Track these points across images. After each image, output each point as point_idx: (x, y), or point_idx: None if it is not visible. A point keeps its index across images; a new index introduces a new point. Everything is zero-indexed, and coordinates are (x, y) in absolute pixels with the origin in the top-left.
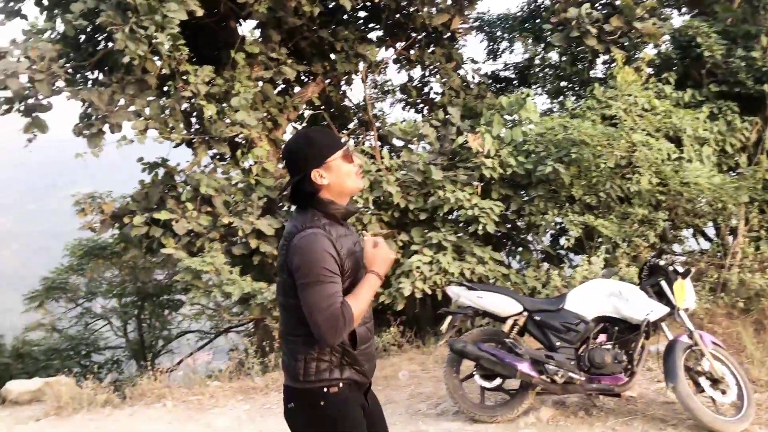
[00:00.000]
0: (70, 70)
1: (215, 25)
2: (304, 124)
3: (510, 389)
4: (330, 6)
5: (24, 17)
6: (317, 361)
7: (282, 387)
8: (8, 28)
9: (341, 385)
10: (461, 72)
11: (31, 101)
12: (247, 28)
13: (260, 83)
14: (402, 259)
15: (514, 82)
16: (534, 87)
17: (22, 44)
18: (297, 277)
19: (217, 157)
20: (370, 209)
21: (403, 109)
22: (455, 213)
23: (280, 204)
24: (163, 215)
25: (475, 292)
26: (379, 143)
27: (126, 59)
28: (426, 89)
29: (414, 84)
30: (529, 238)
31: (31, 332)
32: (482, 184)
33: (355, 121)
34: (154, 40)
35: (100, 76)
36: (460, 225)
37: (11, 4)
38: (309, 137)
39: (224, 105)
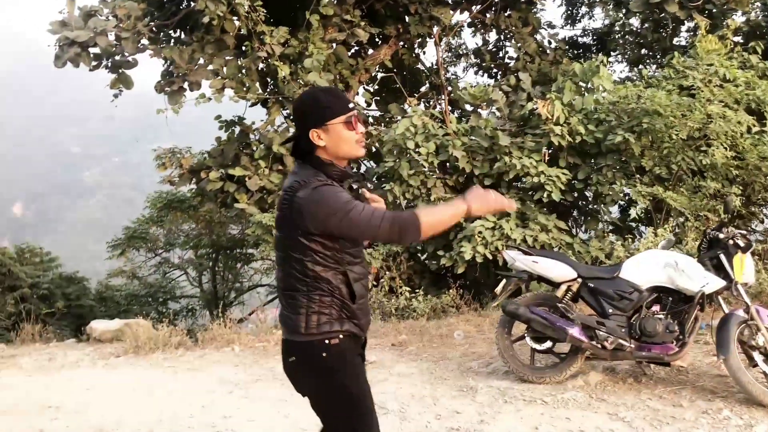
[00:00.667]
0: (154, 29)
1: None
2: (376, 87)
3: (560, 353)
4: None
5: None
6: (318, 314)
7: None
8: None
9: (341, 336)
10: (537, 37)
11: (117, 58)
12: None
13: (333, 45)
14: (465, 223)
15: (592, 49)
16: (613, 54)
17: (111, 3)
18: (326, 223)
19: (290, 117)
20: (436, 173)
21: (476, 73)
22: (521, 180)
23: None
24: (237, 171)
25: (530, 256)
26: (449, 107)
27: (206, 19)
28: (500, 54)
29: (488, 48)
30: (597, 208)
31: (114, 278)
32: (550, 151)
33: (427, 84)
34: (233, 1)
35: (182, 35)
36: (526, 192)
37: None
38: (315, 96)
39: (298, 66)
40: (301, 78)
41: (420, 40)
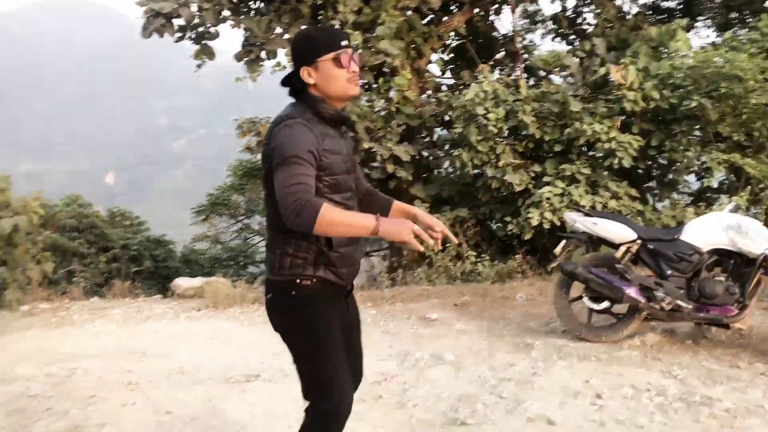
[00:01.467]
0: (233, 1)
1: None
2: (451, 55)
3: (618, 313)
4: None
5: None
6: (292, 257)
7: None
8: None
9: (314, 280)
10: (617, 2)
11: (201, 29)
12: None
13: (407, 13)
14: (533, 189)
15: (677, 14)
16: (700, 19)
17: None
18: (273, 163)
19: (365, 85)
20: (505, 139)
21: (553, 40)
22: (592, 146)
23: (419, 132)
24: None
25: (590, 218)
26: (525, 74)
27: None
28: (579, 20)
29: (566, 15)
30: (672, 176)
31: (198, 242)
32: (623, 117)
33: (503, 51)
34: None
35: (261, 5)
36: (597, 158)
37: None
38: (308, 34)
39: (370, 34)
40: (374, 45)
41: (495, 6)
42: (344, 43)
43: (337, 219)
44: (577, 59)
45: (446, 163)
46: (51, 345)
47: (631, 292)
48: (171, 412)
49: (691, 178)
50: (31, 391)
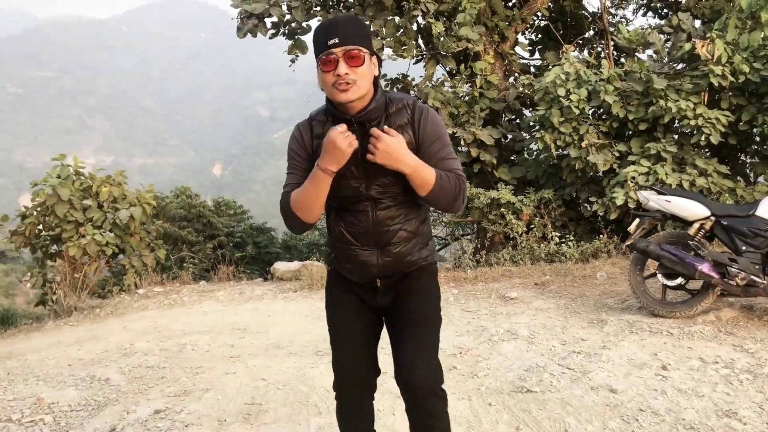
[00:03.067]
0: None
1: None
2: (539, 36)
3: (692, 289)
4: None
5: None
6: (328, 247)
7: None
8: None
9: (330, 268)
10: None
11: (293, 25)
12: None
13: None
14: (618, 169)
15: None
16: None
17: None
18: None
19: (449, 70)
20: (588, 119)
21: (644, 15)
22: (678, 123)
23: (504, 116)
24: None
25: (663, 196)
26: (614, 52)
27: None
28: None
29: None
30: (766, 150)
31: None
32: (710, 92)
33: (593, 30)
34: None
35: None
36: (684, 135)
37: None
38: (315, 31)
39: (452, 21)
40: (455, 33)
41: None
42: (332, 41)
43: (299, 195)
44: (663, 35)
45: (532, 145)
46: (164, 323)
47: (704, 268)
48: (266, 379)
49: None
50: (148, 362)
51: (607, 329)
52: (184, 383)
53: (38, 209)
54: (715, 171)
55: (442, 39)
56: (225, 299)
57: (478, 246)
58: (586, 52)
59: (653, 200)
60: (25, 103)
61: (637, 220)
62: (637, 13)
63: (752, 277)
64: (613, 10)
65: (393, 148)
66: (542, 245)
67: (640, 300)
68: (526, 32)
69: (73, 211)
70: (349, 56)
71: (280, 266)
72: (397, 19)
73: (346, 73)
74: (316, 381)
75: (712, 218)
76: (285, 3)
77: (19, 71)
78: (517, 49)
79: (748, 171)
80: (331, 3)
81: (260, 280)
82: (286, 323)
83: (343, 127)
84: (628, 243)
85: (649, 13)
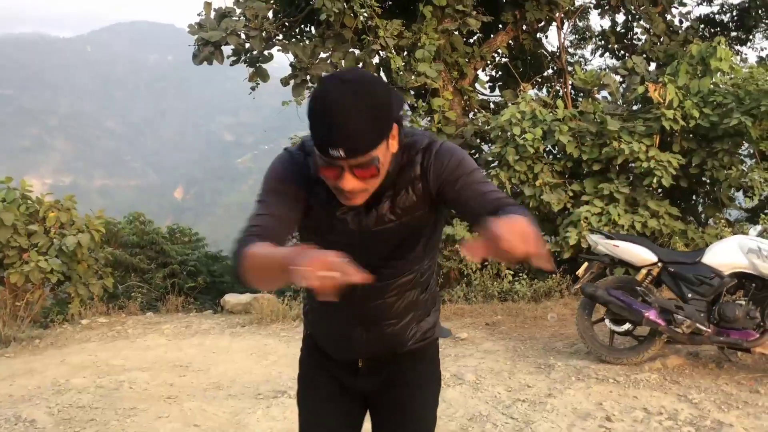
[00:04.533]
0: (284, 25)
1: None
2: (500, 73)
3: (639, 335)
4: None
5: None
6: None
7: None
8: None
9: (307, 331)
10: (668, 16)
11: (255, 53)
12: None
13: (448, 34)
14: (571, 208)
15: (731, 26)
16: (757, 30)
17: (243, 3)
18: None
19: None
20: (543, 159)
21: (601, 56)
22: (631, 164)
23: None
24: None
25: (612, 240)
26: (572, 92)
27: (323, 16)
28: (629, 35)
29: (616, 30)
30: (717, 195)
31: None
32: (662, 135)
33: (552, 68)
34: None
35: (311, 30)
36: (636, 177)
37: None
38: (309, 109)
39: (411, 57)
40: (414, 68)
41: (542, 24)
42: (335, 153)
43: (261, 261)
44: (618, 77)
45: None
46: (105, 358)
47: (651, 314)
48: (198, 425)
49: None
50: (81, 401)
51: (553, 375)
52: (113, 428)
53: None
54: (666, 213)
55: (401, 74)
56: (171, 333)
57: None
58: (545, 91)
59: (602, 244)
60: None
61: (585, 264)
62: (595, 53)
63: (698, 324)
64: (572, 50)
65: (518, 230)
66: (495, 282)
67: (587, 345)
68: (487, 69)
69: (17, 237)
70: (358, 170)
71: (231, 298)
72: (357, 52)
73: (353, 188)
74: (250, 428)
75: (660, 264)
76: (242, 32)
77: None
78: (477, 85)
79: (700, 213)
80: (292, 33)
81: (210, 312)
82: (229, 361)
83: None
84: (576, 287)
85: (607, 54)
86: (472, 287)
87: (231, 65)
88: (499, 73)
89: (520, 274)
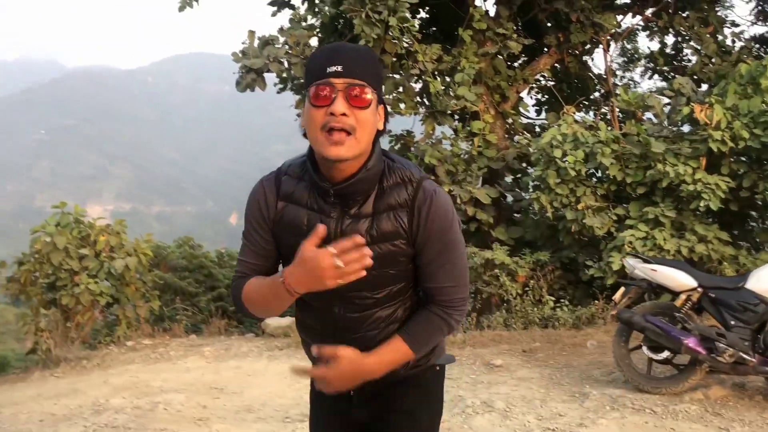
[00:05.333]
0: None
1: (455, 4)
2: (546, 96)
3: (679, 364)
4: None
5: (292, 7)
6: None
7: None
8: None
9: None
10: (720, 37)
11: (302, 80)
12: (488, 5)
13: (490, 57)
14: (616, 233)
15: None
16: None
17: (286, 31)
18: None
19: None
20: (586, 181)
21: (650, 78)
22: (677, 187)
23: (504, 175)
24: None
25: (649, 264)
26: (620, 114)
27: (362, 42)
28: (679, 56)
29: (666, 51)
30: None
31: None
32: (710, 157)
33: (599, 91)
34: (389, 23)
35: None
36: (683, 200)
37: None
38: (310, 57)
39: (451, 80)
40: (453, 92)
41: (589, 46)
42: (333, 68)
43: (256, 294)
44: (663, 99)
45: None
46: (145, 379)
47: (690, 342)
48: None
49: None
50: (116, 422)
51: (587, 404)
52: None
53: (35, 256)
54: (715, 238)
55: (440, 97)
56: (211, 355)
57: (476, 307)
58: (591, 114)
59: (639, 268)
60: (49, 149)
61: (622, 289)
62: (644, 75)
63: (741, 353)
64: (620, 73)
65: (346, 373)
66: (536, 309)
67: (624, 373)
68: (533, 92)
69: (69, 260)
70: (353, 92)
71: (271, 321)
72: (396, 76)
73: (344, 114)
74: None
75: (700, 289)
76: (285, 59)
77: (46, 119)
78: (521, 108)
79: (753, 238)
80: None
81: (252, 335)
82: (263, 384)
83: (339, 247)
84: (612, 313)
85: (656, 76)
86: (512, 314)
87: (278, 93)
88: (546, 96)
89: (562, 301)
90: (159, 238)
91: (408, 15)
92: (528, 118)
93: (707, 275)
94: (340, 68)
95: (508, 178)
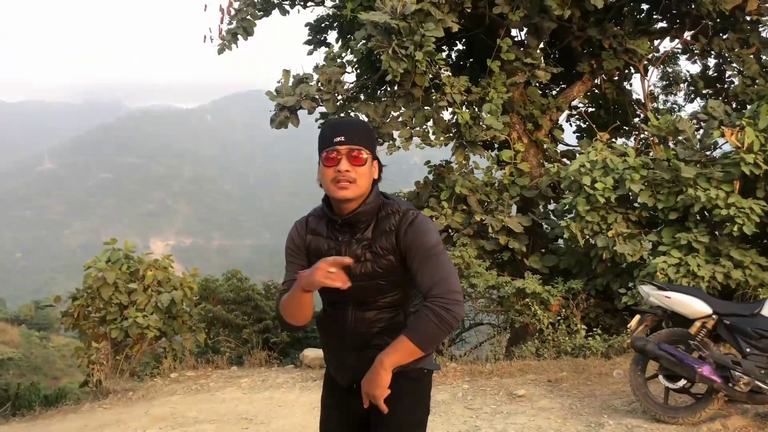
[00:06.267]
0: (364, 86)
1: (485, 35)
2: (585, 123)
3: (697, 393)
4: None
5: (327, 45)
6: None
7: None
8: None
9: (325, 366)
10: (764, 57)
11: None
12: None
13: (522, 86)
14: (648, 259)
15: None
16: None
17: (320, 69)
18: None
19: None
20: (615, 208)
21: (691, 101)
22: (710, 213)
23: (537, 203)
24: (425, 212)
25: (663, 291)
26: (657, 140)
27: (389, 77)
28: (722, 78)
29: (707, 74)
30: None
31: None
32: (745, 181)
33: (638, 116)
34: (415, 58)
35: (380, 92)
36: (717, 225)
37: (318, 35)
38: (323, 129)
39: (479, 111)
40: (482, 122)
41: (626, 72)
42: (338, 139)
43: (286, 300)
44: (693, 122)
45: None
46: (183, 410)
47: (705, 370)
48: None
49: None
50: None
51: None
52: None
53: (87, 291)
54: (753, 263)
55: (469, 128)
56: (247, 386)
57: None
58: (632, 140)
59: (653, 296)
60: (114, 187)
61: (637, 317)
62: (687, 99)
63: (757, 382)
64: (662, 97)
65: (373, 374)
66: (569, 338)
67: (641, 403)
68: (572, 119)
69: (118, 294)
70: (352, 155)
71: (309, 353)
72: (427, 109)
73: (347, 170)
74: None
75: (714, 316)
76: (317, 95)
77: (111, 158)
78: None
79: None
80: (362, 97)
81: (291, 366)
82: (291, 415)
83: (335, 260)
84: (628, 341)
85: (698, 99)
86: (545, 343)
87: (319, 128)
88: (586, 123)
89: (595, 330)
90: (218, 271)
91: (433, 48)
92: (567, 145)
93: (722, 301)
94: (343, 138)
95: (543, 207)
